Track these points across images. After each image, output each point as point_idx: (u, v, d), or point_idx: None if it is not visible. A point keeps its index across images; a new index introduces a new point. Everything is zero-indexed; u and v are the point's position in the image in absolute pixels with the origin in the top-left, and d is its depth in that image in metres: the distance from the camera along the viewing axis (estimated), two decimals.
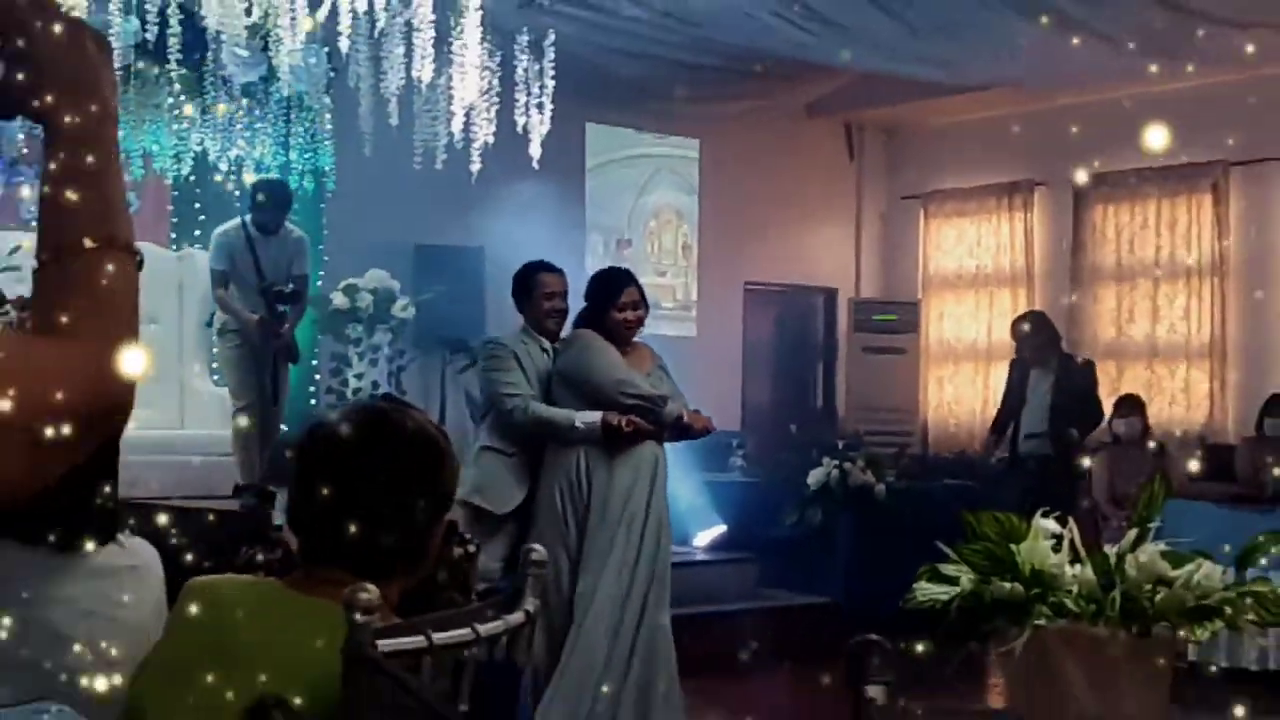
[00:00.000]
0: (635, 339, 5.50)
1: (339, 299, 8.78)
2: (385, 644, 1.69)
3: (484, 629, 1.86)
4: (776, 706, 7.31)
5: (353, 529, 1.92)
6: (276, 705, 1.56)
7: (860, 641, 1.30)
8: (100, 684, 2.32)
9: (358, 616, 1.67)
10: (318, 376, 9.23)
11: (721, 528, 9.01)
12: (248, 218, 7.59)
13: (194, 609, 1.89)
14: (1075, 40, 8.59)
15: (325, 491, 1.94)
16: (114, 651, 2.36)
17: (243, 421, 7.29)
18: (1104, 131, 11.09)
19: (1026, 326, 8.94)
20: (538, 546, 2.14)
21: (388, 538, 1.92)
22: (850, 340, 12.45)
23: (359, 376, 8.82)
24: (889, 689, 1.10)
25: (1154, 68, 9.54)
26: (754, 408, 12.41)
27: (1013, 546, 3.62)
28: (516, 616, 1.96)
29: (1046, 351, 8.80)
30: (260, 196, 7.63)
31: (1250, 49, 8.43)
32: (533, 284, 5.54)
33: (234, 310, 7.44)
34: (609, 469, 5.26)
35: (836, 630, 6.21)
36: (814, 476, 8.86)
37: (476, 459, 5.41)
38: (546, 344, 5.43)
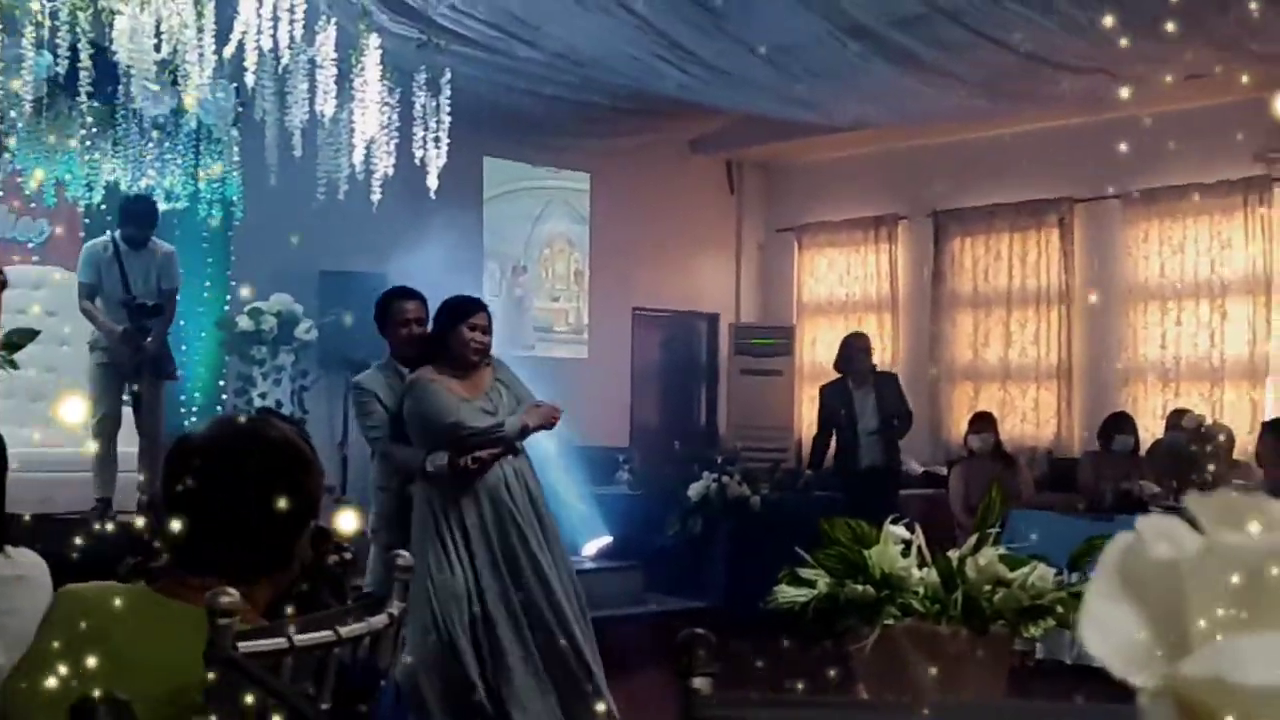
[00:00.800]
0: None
1: (244, 322, 8.66)
2: (246, 645, 1.66)
3: (345, 630, 1.83)
4: (659, 705, 7.29)
5: (216, 536, 1.89)
6: (104, 701, 1.52)
7: (687, 635, 1.30)
8: None
9: (219, 619, 1.63)
10: (224, 396, 9.08)
11: (608, 538, 9.00)
12: (117, 233, 7.33)
13: (63, 614, 1.85)
14: (935, 85, 8.74)
15: (190, 500, 1.91)
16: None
17: (95, 434, 7.05)
18: (961, 169, 11.31)
19: (861, 345, 9.08)
20: (404, 552, 2.11)
21: (252, 544, 1.89)
22: (731, 362, 12.52)
23: (263, 396, 8.69)
24: (713, 680, 1.10)
25: (1005, 109, 9.74)
26: (641, 425, 12.43)
27: (865, 551, 3.67)
28: (380, 619, 1.94)
29: (868, 368, 9.01)
30: (127, 212, 7.40)
31: (1103, 91, 8.64)
32: (391, 311, 5.47)
33: (98, 323, 7.18)
34: (470, 499, 5.16)
35: (716, 633, 6.20)
36: (695, 489, 8.89)
37: (374, 499, 5.37)
38: (405, 371, 5.33)
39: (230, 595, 1.64)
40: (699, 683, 1.13)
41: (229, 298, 9.27)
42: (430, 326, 5.43)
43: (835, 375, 9.12)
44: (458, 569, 5.03)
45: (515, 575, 5.10)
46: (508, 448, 5.21)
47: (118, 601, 1.87)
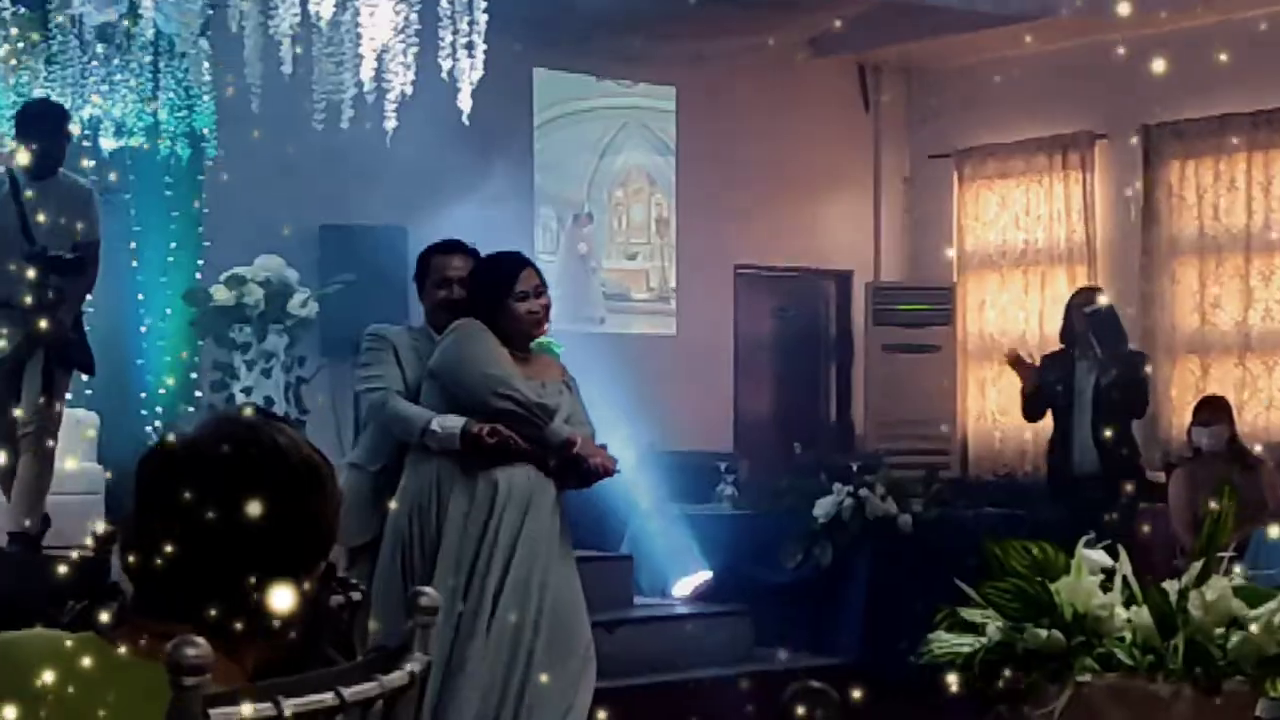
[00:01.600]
0: (540, 344, 5.49)
1: (221, 294, 8.77)
2: (219, 713, 1.68)
3: (350, 693, 1.84)
4: None
5: (198, 572, 1.91)
6: None
7: (798, 689, 1.28)
8: None
9: (184, 679, 1.65)
10: (199, 393, 9.21)
11: (706, 574, 9.01)
12: (14, 163, 6.90)
13: None
14: None
15: (166, 523, 1.92)
16: None
17: None
18: (1180, 68, 11.14)
19: (1099, 302, 8.92)
20: (429, 590, 2.13)
21: (244, 585, 1.91)
22: (869, 335, 12.47)
23: (247, 391, 8.81)
24: None
25: None
26: (748, 421, 12.42)
27: (1051, 585, 3.64)
28: (397, 677, 1.95)
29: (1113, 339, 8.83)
30: (26, 125, 6.92)
31: None
32: (426, 268, 5.57)
33: None
34: (465, 489, 5.20)
35: (850, 695, 6.20)
36: (822, 507, 8.87)
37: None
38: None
39: (197, 646, 1.65)
40: None
41: (201, 262, 9.39)
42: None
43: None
44: (416, 575, 5.11)
45: (504, 595, 5.14)
46: (536, 454, 5.26)
47: (59, 653, 1.89)
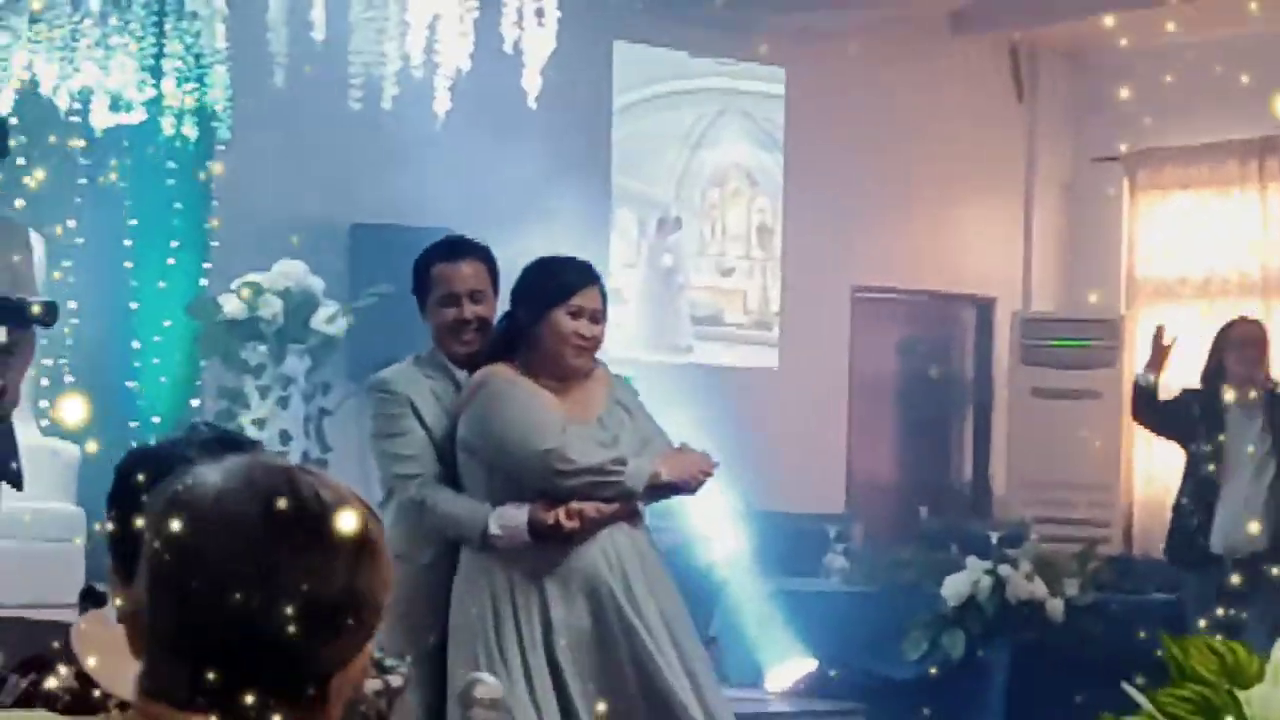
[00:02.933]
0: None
1: (232, 305, 8.84)
2: None
3: None
4: None
5: (213, 651, 1.93)
6: None
7: None
8: None
9: None
10: (201, 423, 9.27)
11: (812, 663, 9.00)
12: None
13: None
14: None
15: (174, 593, 1.94)
16: None
17: None
18: None
19: (1251, 337, 8.95)
20: (487, 678, 2.15)
21: (271, 669, 1.92)
22: (1015, 377, 12.44)
23: (260, 423, 8.87)
24: None
25: None
26: (864, 478, 12.43)
27: (1239, 693, 3.62)
28: None
29: (1260, 378, 8.85)
30: None
31: None
32: (427, 280, 5.42)
33: None
34: (557, 586, 5.13)
35: None
36: (953, 586, 8.84)
37: None
38: (460, 375, 5.35)
39: None
40: None
41: (208, 266, 9.46)
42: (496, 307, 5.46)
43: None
44: (521, 691, 4.90)
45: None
46: (625, 506, 5.25)
47: None
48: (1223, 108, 12.18)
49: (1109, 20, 12.05)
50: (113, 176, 9.18)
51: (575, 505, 5.10)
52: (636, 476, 5.21)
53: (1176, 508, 9.16)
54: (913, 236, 12.49)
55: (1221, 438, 8.80)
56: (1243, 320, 9.40)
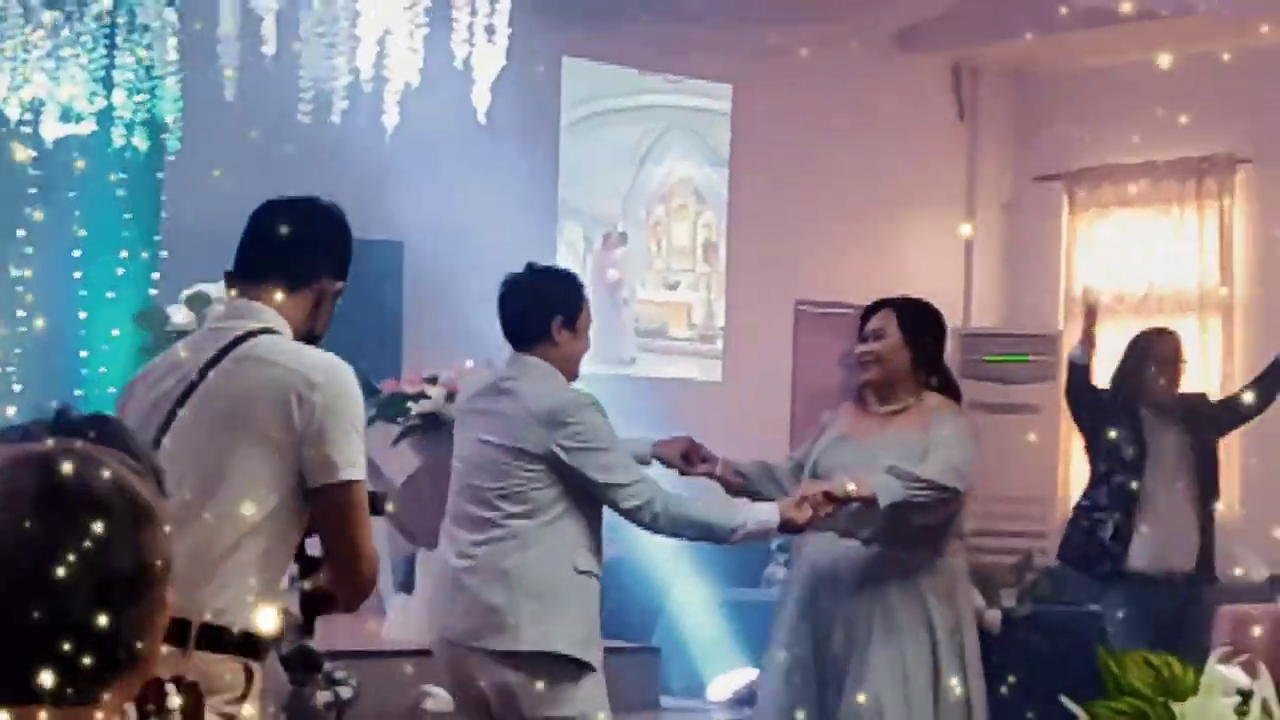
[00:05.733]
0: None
1: (180, 315, 8.81)
2: None
3: None
4: None
5: (24, 647, 1.96)
6: None
7: None
8: None
9: None
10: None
11: (754, 672, 9.02)
12: None
13: None
14: None
15: None
16: None
17: None
18: None
19: (1166, 351, 8.99)
20: (435, 690, 2.17)
21: (81, 651, 1.96)
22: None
23: None
24: None
25: None
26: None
27: (1175, 706, 3.67)
28: None
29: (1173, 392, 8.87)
30: None
31: None
32: (579, 302, 5.79)
33: None
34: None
35: None
36: None
37: (562, 589, 5.58)
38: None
39: None
40: None
41: (157, 276, 9.44)
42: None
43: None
44: None
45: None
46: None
47: None
48: (1162, 128, 12.25)
49: (1050, 41, 12.12)
50: (63, 188, 9.14)
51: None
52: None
53: (1079, 512, 9.12)
54: (856, 252, 12.53)
55: (1132, 451, 8.81)
56: (1161, 333, 9.33)
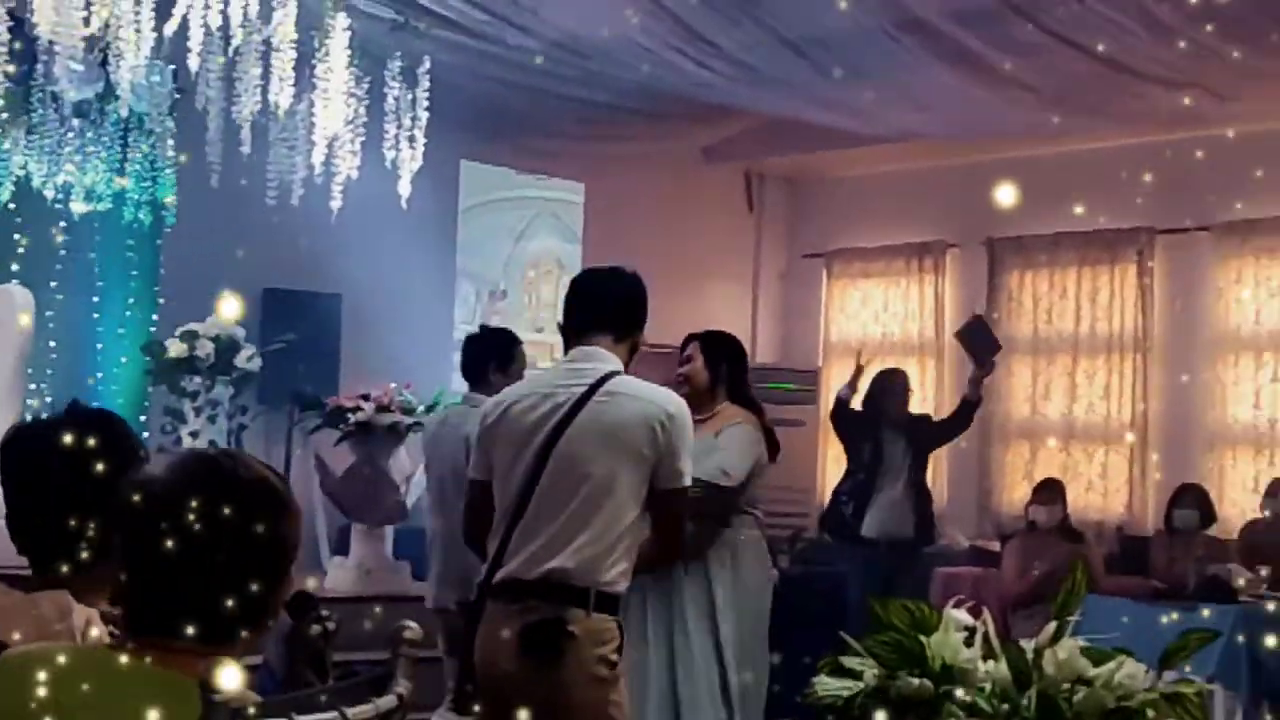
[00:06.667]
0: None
1: (176, 347, 8.68)
2: None
3: (352, 712, 1.87)
4: None
5: (186, 591, 1.93)
6: None
7: None
8: None
9: (214, 695, 1.67)
10: (147, 435, 9.09)
11: None
12: None
13: (11, 689, 1.87)
14: (1000, 93, 8.84)
15: (150, 550, 1.94)
16: None
17: None
18: (1024, 191, 11.35)
19: (898, 384, 9.24)
20: (411, 624, 2.16)
21: (227, 601, 1.93)
22: None
23: (194, 434, 8.70)
24: None
25: (1080, 125, 9.84)
26: None
27: (922, 638, 3.71)
28: (388, 700, 1.98)
29: (904, 414, 9.14)
30: None
31: (1184, 106, 8.74)
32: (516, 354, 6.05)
33: None
34: None
35: None
36: None
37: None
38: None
39: (229, 665, 1.67)
40: None
41: (156, 318, 9.31)
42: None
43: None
44: None
45: None
46: None
47: (76, 666, 1.89)
48: (895, 221, 12.44)
49: (816, 157, 12.27)
50: (86, 250, 9.02)
51: None
52: None
53: (835, 496, 9.31)
54: (674, 307, 12.33)
55: (870, 455, 9.00)
56: (894, 371, 9.59)
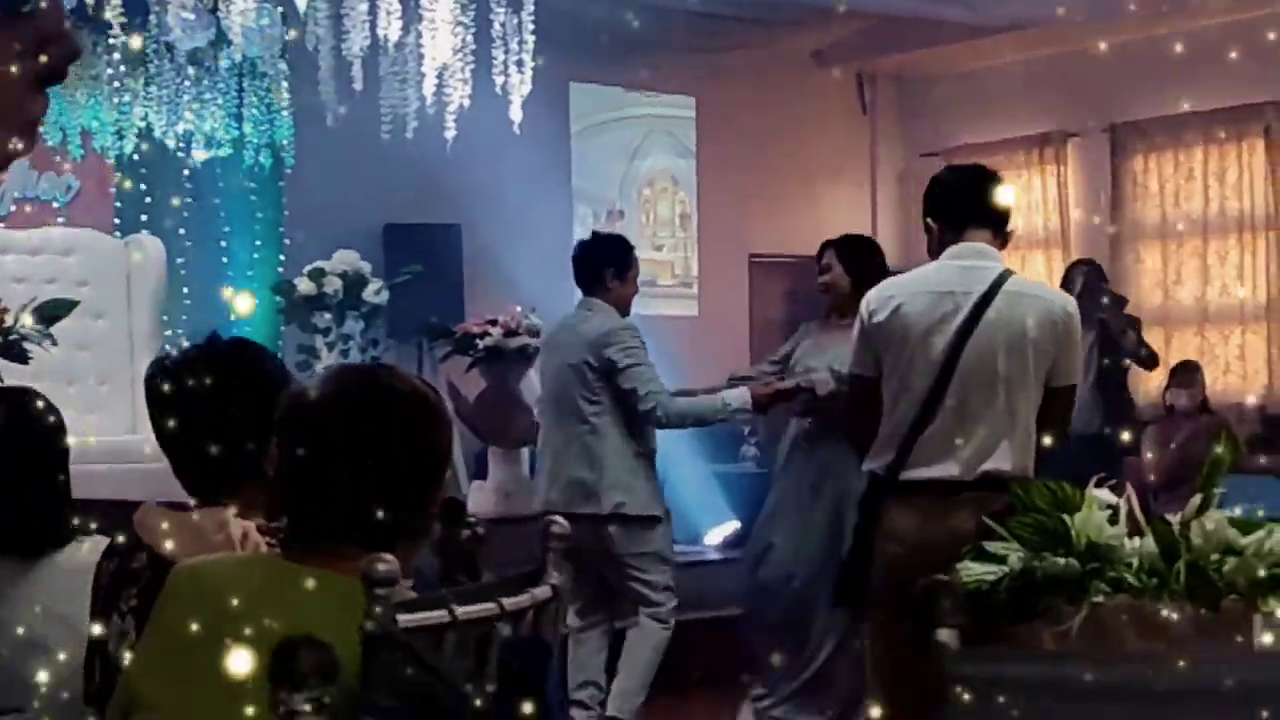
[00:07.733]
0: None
1: (305, 285, 8.81)
2: (406, 619, 1.74)
3: (510, 603, 1.91)
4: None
5: (349, 499, 1.97)
6: (304, 644, 1.61)
7: (928, 583, 1.34)
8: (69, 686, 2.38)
9: (377, 590, 1.72)
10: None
11: (735, 524, 9.06)
12: None
13: (190, 592, 1.94)
14: None
15: (315, 461, 1.98)
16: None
17: None
18: (1143, 75, 11.16)
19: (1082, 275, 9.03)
20: (559, 519, 2.19)
21: (388, 507, 1.97)
22: None
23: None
24: (961, 634, 1.13)
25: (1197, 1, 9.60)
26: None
27: (1066, 518, 3.68)
28: (543, 591, 2.01)
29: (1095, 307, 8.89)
30: None
31: None
32: (632, 260, 6.07)
33: None
34: None
35: None
36: None
37: (629, 466, 5.76)
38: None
39: (388, 562, 1.72)
40: (945, 635, 1.19)
41: (283, 257, 9.44)
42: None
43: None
44: None
45: None
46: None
47: (252, 573, 1.96)
48: (1012, 114, 12.26)
49: (928, 54, 12.11)
50: (210, 196, 9.16)
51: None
52: None
53: None
54: (791, 215, 12.49)
55: None
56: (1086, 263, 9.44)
